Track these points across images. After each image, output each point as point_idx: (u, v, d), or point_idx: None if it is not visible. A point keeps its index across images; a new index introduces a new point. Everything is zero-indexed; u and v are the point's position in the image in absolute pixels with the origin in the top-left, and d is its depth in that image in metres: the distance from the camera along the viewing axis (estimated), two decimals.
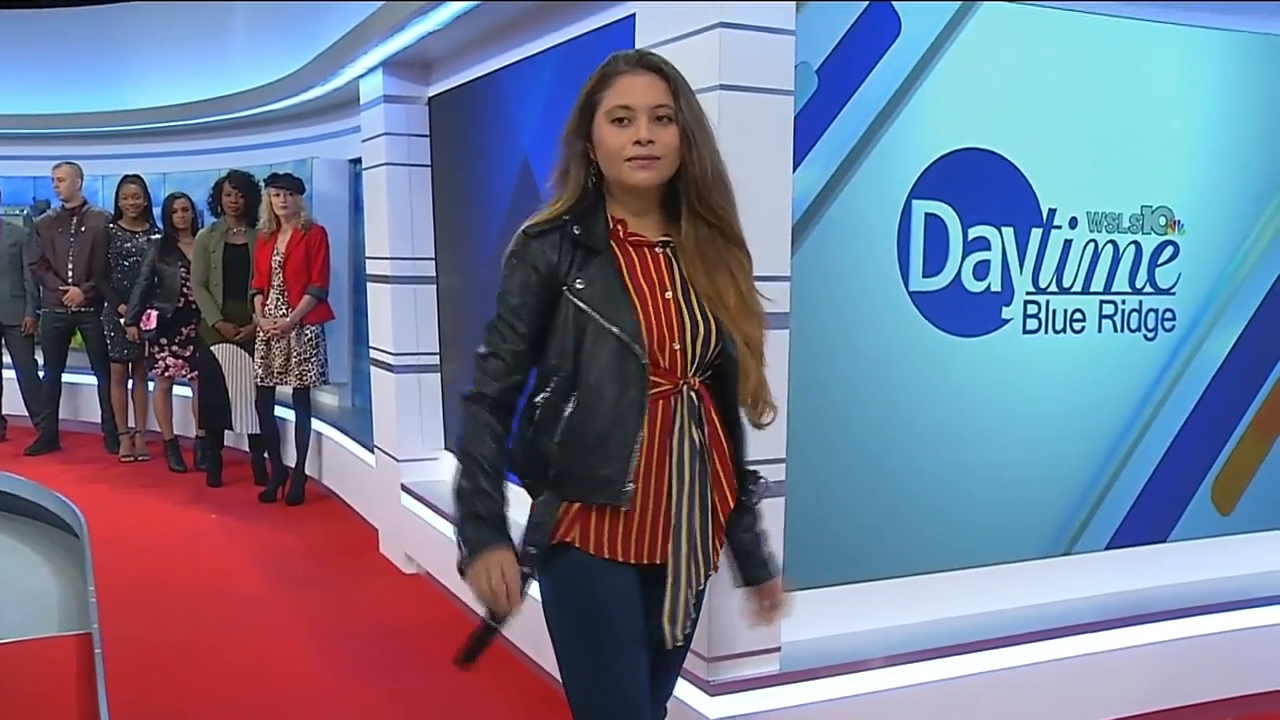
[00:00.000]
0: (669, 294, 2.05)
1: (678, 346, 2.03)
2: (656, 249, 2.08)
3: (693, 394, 2.06)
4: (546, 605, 2.10)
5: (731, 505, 2.14)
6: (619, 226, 2.07)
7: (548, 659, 3.74)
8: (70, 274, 7.34)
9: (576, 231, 2.02)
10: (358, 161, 6.34)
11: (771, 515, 2.94)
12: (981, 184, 3.39)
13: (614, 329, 1.99)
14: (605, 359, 1.99)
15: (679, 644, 2.10)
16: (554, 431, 2.02)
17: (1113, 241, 3.62)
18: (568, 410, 2.01)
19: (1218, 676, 3.68)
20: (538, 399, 2.05)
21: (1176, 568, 3.83)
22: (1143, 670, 3.55)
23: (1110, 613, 3.55)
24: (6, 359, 8.04)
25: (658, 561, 2.05)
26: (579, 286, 2.01)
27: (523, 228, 2.07)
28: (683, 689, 3.02)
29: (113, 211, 7.41)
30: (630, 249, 2.06)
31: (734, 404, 2.14)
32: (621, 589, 2.06)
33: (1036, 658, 3.37)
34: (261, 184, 6.43)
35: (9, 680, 3.97)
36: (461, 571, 2.01)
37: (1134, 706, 3.55)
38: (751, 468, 2.21)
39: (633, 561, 2.05)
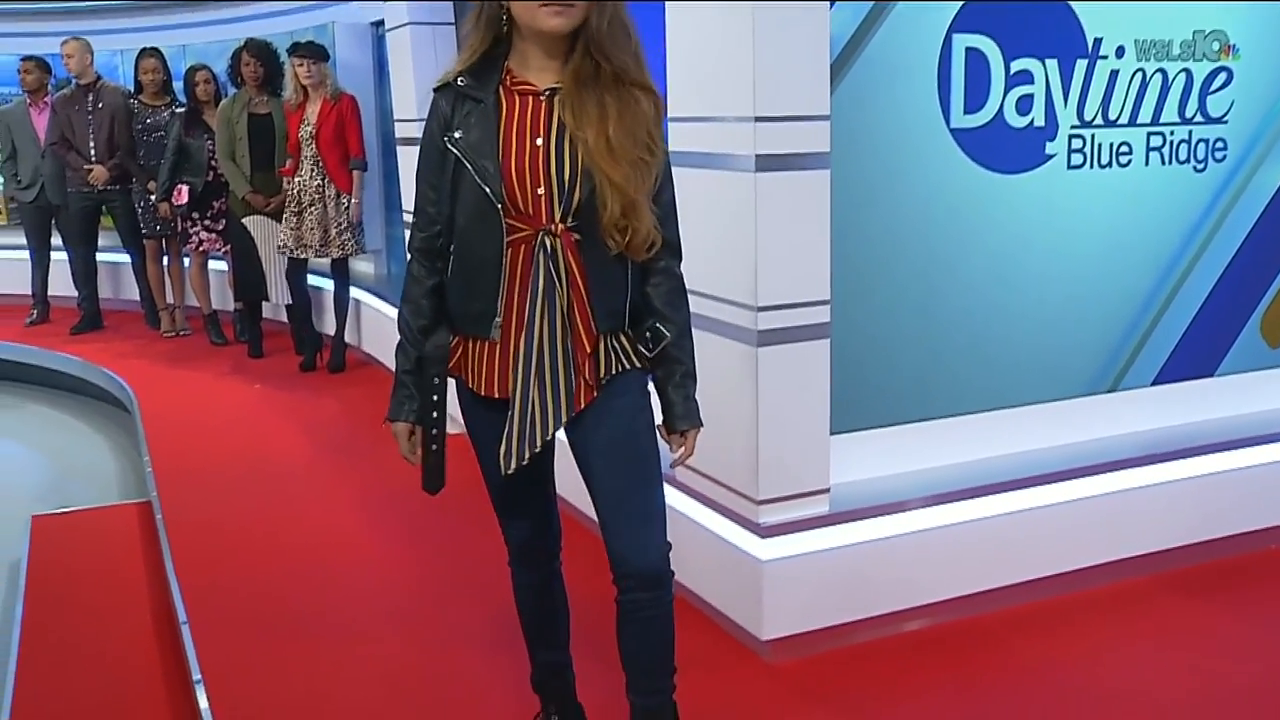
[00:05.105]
0: (539, 140, 2.09)
1: (541, 192, 2.09)
2: (540, 97, 2.11)
3: (552, 240, 2.09)
4: None
5: (589, 350, 2.15)
6: (507, 76, 2.13)
7: (586, 504, 3.83)
8: (92, 152, 7.29)
9: (461, 84, 2.13)
10: (380, 24, 6.19)
11: (815, 358, 2.97)
12: (1024, 15, 3.27)
13: (477, 177, 2.09)
14: (471, 205, 2.12)
15: (522, 466, 2.19)
16: (445, 270, 2.22)
17: (1161, 70, 3.50)
18: (452, 251, 2.19)
19: (1262, 506, 3.70)
20: (438, 242, 2.22)
21: (1223, 402, 3.81)
22: (1187, 503, 3.57)
23: (1155, 447, 3.56)
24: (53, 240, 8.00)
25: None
26: (457, 136, 2.12)
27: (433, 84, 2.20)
28: (733, 532, 3.08)
29: (132, 87, 7.33)
30: (515, 97, 2.12)
31: (607, 246, 2.12)
32: (491, 424, 2.23)
33: (1081, 493, 3.39)
34: (284, 54, 6.32)
35: (82, 546, 4.11)
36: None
37: (1179, 538, 3.58)
38: (659, 326, 2.21)
39: (495, 395, 2.21)
